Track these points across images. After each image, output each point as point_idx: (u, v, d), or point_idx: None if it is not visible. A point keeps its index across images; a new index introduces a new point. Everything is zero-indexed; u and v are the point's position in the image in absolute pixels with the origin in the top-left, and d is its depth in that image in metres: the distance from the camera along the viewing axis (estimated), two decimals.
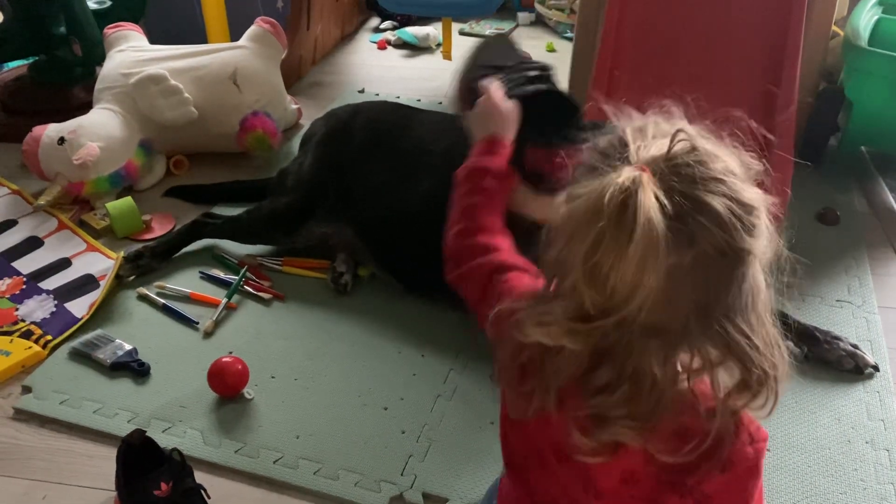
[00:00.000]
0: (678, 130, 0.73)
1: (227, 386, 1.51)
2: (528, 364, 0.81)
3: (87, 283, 1.83)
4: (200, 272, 1.88)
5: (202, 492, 1.27)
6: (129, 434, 1.30)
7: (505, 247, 1.01)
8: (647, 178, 0.69)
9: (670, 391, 0.74)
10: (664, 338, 0.73)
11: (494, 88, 1.18)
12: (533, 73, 1.28)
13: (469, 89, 1.26)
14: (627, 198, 0.68)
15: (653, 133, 0.75)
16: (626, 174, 0.69)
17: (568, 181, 0.77)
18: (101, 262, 1.90)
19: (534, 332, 0.77)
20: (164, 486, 1.21)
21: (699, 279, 0.71)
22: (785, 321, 1.68)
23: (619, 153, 0.74)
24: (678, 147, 0.72)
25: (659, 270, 0.69)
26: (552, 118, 1.24)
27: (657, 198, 0.68)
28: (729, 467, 0.79)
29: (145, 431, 1.31)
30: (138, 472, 1.25)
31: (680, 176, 0.70)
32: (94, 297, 1.78)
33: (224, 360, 1.53)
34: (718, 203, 0.70)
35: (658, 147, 0.72)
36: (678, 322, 0.72)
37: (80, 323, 1.71)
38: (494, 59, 1.31)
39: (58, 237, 2.01)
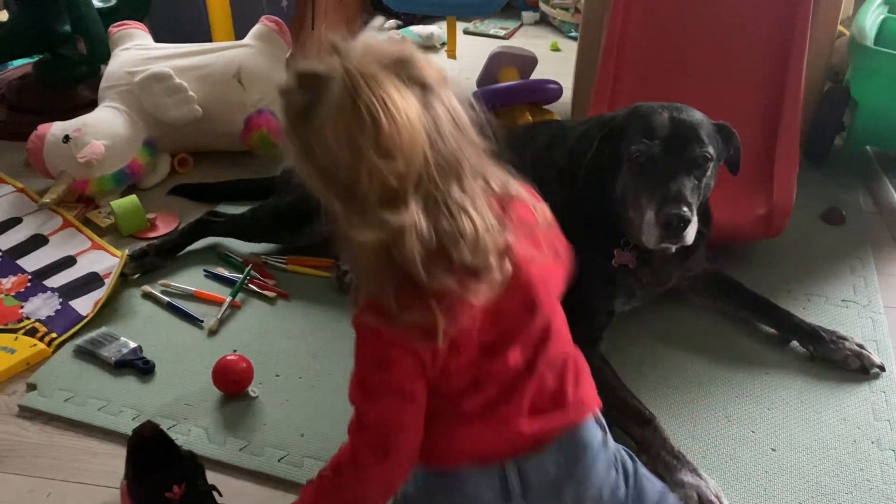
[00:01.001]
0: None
1: (232, 384, 1.51)
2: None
3: (91, 281, 1.83)
4: (205, 270, 1.88)
5: (214, 492, 1.26)
6: (141, 426, 1.29)
7: None
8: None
9: None
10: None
11: None
12: None
13: None
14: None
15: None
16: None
17: None
18: (105, 260, 1.90)
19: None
20: (176, 488, 1.20)
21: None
22: (791, 321, 1.69)
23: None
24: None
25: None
26: None
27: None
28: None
29: (158, 425, 1.30)
30: (148, 467, 1.25)
31: None
32: (98, 294, 1.78)
33: (229, 358, 1.53)
34: None
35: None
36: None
37: (84, 321, 1.71)
38: None
39: (62, 235, 2.01)
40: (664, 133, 1.44)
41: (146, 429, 1.30)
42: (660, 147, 1.43)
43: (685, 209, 1.38)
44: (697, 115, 1.49)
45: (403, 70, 0.87)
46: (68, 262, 1.91)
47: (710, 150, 1.46)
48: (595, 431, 1.02)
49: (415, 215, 0.85)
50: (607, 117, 1.56)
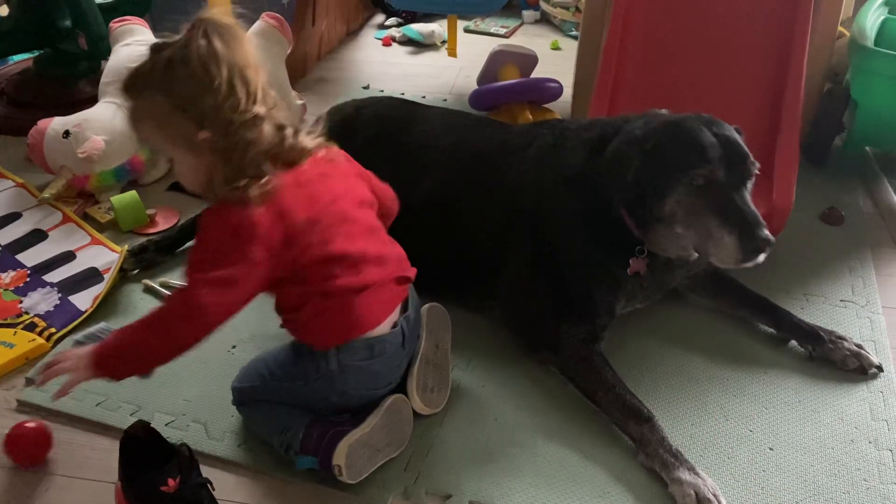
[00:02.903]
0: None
1: (27, 456, 1.39)
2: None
3: (91, 277, 1.84)
4: None
5: (209, 486, 1.26)
6: (132, 425, 1.30)
7: None
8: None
9: None
10: None
11: None
12: None
13: None
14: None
15: None
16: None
17: None
18: (105, 256, 1.90)
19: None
20: (171, 482, 1.20)
21: None
22: (790, 321, 1.69)
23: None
24: None
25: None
26: None
27: None
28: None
29: (149, 423, 1.31)
30: (143, 464, 1.25)
31: None
32: (98, 290, 1.78)
33: (26, 425, 1.40)
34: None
35: None
36: None
37: (83, 316, 1.71)
38: None
39: (62, 230, 2.01)
40: (718, 153, 1.42)
41: (138, 428, 1.30)
42: (720, 168, 1.42)
43: (767, 232, 1.38)
44: (732, 128, 1.49)
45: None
46: (68, 257, 1.91)
47: (755, 161, 1.46)
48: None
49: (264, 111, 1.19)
50: (638, 134, 1.49)
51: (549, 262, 1.58)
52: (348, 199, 1.33)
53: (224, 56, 1.15)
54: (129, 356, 1.22)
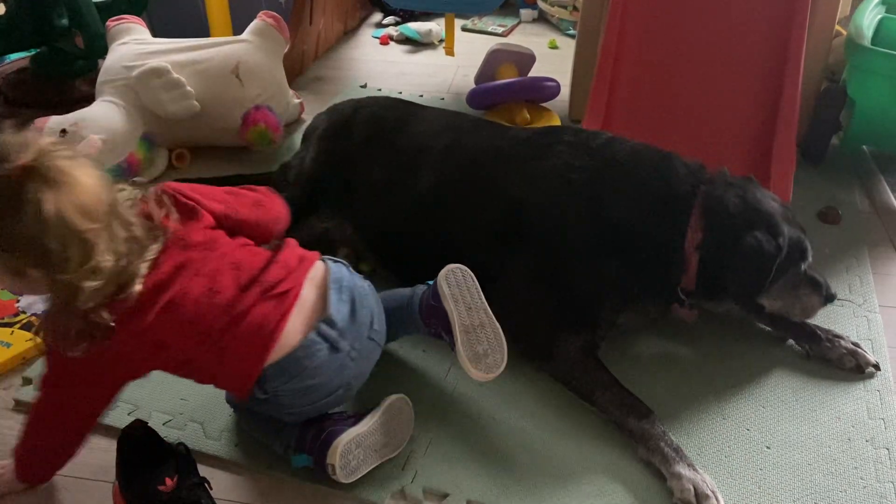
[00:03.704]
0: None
1: None
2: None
3: None
4: None
5: (206, 485, 1.27)
6: (129, 425, 1.30)
7: None
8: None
9: None
10: None
11: None
12: None
13: None
14: None
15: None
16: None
17: None
18: None
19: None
20: (168, 481, 1.20)
21: None
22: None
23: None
24: None
25: None
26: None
27: None
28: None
29: (147, 422, 1.31)
30: (140, 463, 1.25)
31: None
32: None
33: None
34: None
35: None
36: None
37: None
38: None
39: None
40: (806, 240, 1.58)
41: (135, 427, 1.30)
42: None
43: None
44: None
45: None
46: None
47: None
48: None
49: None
50: (766, 244, 1.49)
51: (555, 277, 1.57)
52: (183, 278, 1.19)
53: (59, 218, 1.03)
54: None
